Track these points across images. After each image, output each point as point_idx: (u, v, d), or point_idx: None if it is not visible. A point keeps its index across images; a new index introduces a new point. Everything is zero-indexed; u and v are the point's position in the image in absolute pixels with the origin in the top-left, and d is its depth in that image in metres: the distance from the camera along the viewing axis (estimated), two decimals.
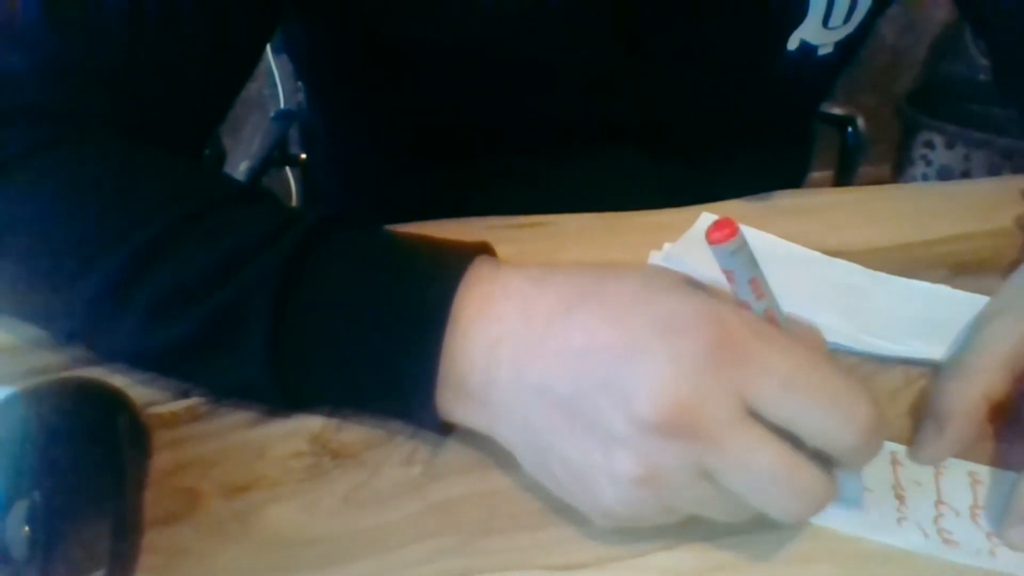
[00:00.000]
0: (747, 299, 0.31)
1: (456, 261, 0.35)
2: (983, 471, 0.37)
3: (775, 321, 0.31)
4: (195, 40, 0.45)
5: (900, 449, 0.38)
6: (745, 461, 0.29)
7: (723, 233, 0.29)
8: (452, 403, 0.35)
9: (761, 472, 0.29)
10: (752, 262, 0.30)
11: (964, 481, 0.36)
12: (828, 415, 0.29)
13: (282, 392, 0.37)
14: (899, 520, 0.35)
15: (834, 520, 0.35)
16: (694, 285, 0.33)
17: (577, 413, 0.31)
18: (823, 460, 0.30)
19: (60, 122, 0.43)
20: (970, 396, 0.37)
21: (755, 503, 0.30)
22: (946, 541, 0.34)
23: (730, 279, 0.31)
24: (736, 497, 0.30)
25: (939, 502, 0.35)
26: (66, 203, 0.40)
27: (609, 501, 0.31)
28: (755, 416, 0.29)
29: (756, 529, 0.34)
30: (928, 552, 0.33)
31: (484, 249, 0.37)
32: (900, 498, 0.36)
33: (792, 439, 0.30)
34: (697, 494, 0.30)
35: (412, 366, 0.35)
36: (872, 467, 0.37)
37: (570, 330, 0.32)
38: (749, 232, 0.53)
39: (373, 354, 0.35)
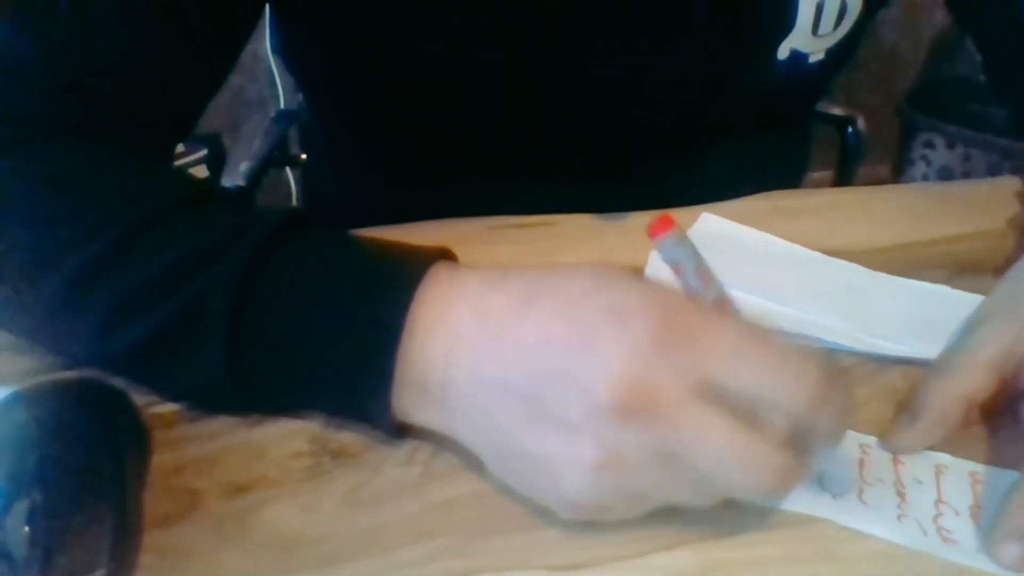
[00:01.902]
0: (697, 288, 0.32)
1: (413, 266, 0.36)
2: (984, 471, 0.37)
3: (726, 305, 0.32)
4: (164, 45, 0.45)
5: None
6: (701, 438, 0.30)
7: (663, 228, 0.30)
8: (411, 406, 0.36)
9: (717, 448, 0.30)
10: (695, 252, 0.31)
11: (965, 481, 0.36)
12: (776, 384, 0.30)
13: (239, 396, 0.37)
14: (899, 517, 0.35)
15: (835, 514, 0.35)
16: (643, 278, 0.34)
17: (536, 406, 0.32)
18: (799, 445, 0.31)
19: (22, 124, 0.43)
20: (949, 394, 0.38)
21: (716, 481, 0.31)
22: (945, 540, 0.34)
23: (677, 272, 0.32)
24: (698, 477, 0.31)
25: (939, 501, 0.35)
26: (25, 205, 0.40)
27: (573, 491, 0.31)
28: (708, 395, 0.30)
29: (756, 529, 0.34)
30: (926, 550, 0.33)
31: (443, 254, 0.37)
32: (901, 495, 0.36)
33: (754, 421, 0.30)
34: (659, 477, 0.31)
35: (367, 370, 0.35)
36: (875, 464, 0.37)
37: (524, 326, 0.33)
38: (750, 232, 0.53)
39: (329, 359, 0.36)
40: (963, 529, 0.34)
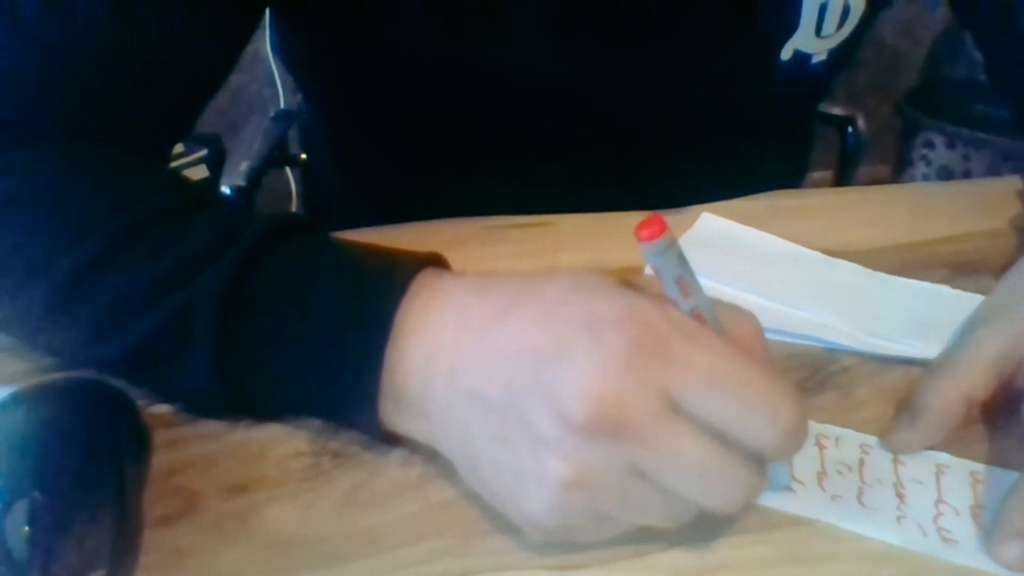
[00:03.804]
0: (675, 297, 0.31)
1: (400, 274, 0.36)
2: (985, 471, 0.37)
3: (702, 319, 0.31)
4: (159, 46, 0.45)
5: None
6: (673, 455, 0.29)
7: (651, 231, 0.29)
8: (394, 414, 0.35)
9: (689, 466, 0.29)
10: (680, 261, 0.30)
11: (966, 481, 0.36)
12: (750, 414, 0.30)
13: (228, 402, 0.37)
14: (899, 518, 0.35)
15: (834, 517, 0.35)
16: (624, 284, 0.32)
17: (509, 418, 0.31)
18: (758, 459, 0.31)
19: (12, 128, 0.43)
20: (949, 394, 0.38)
21: (687, 496, 0.30)
22: (945, 540, 0.34)
23: (658, 276, 0.31)
24: (668, 495, 0.30)
25: (939, 501, 0.35)
26: (15, 209, 0.40)
27: (538, 509, 0.30)
28: (679, 412, 0.29)
29: (756, 529, 0.34)
30: (926, 551, 0.33)
31: (433, 260, 0.37)
32: (900, 496, 0.36)
33: (722, 438, 0.30)
34: (629, 495, 0.30)
35: (354, 379, 0.35)
36: (875, 464, 0.37)
37: (500, 335, 0.32)
38: (750, 232, 0.53)
39: (317, 367, 0.35)
40: (963, 529, 0.34)
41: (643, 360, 0.29)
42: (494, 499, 0.33)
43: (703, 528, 0.34)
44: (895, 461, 0.37)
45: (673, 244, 0.30)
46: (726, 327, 0.32)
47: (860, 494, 0.36)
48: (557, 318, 0.31)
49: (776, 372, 0.31)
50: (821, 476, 0.36)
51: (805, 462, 0.37)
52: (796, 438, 0.30)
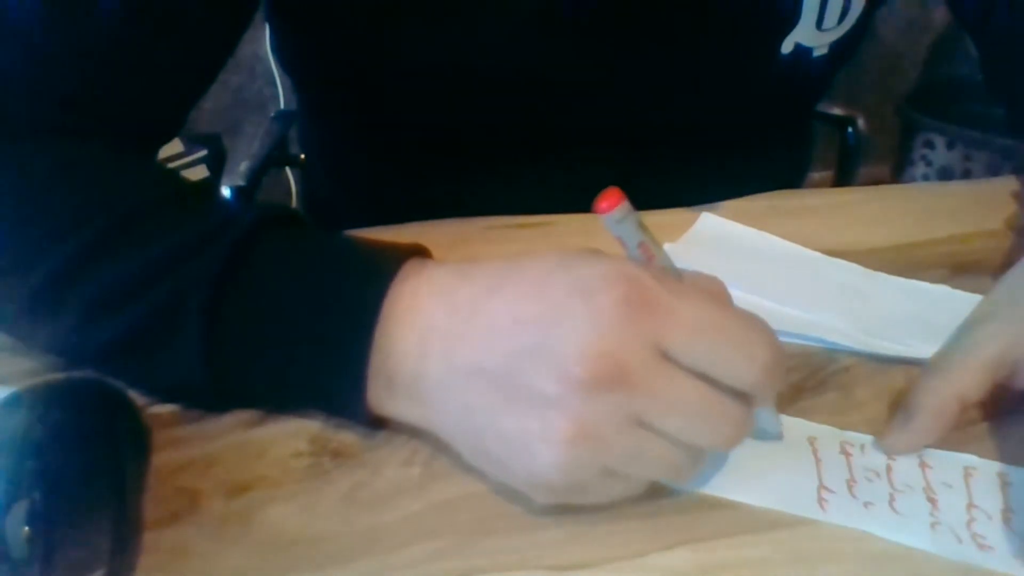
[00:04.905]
0: (640, 261, 0.33)
1: (388, 261, 0.36)
2: (1011, 472, 0.36)
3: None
4: (148, 45, 0.45)
5: (925, 451, 0.37)
6: (669, 399, 0.31)
7: (609, 203, 0.32)
8: (385, 398, 0.36)
9: (687, 406, 0.32)
10: (640, 228, 0.33)
11: (994, 483, 0.36)
12: (732, 356, 0.32)
13: (216, 392, 0.37)
14: (932, 524, 0.34)
15: (868, 525, 0.34)
16: (601, 252, 0.34)
17: (510, 386, 0.32)
18: (744, 400, 0.33)
19: (3, 123, 0.43)
20: (943, 394, 0.37)
21: (684, 436, 0.32)
22: (981, 547, 0.33)
23: (622, 244, 0.34)
24: (668, 440, 0.32)
25: (971, 505, 0.35)
26: (7, 200, 0.41)
27: (546, 469, 0.32)
28: (671, 360, 0.32)
29: (756, 529, 0.34)
30: (963, 559, 0.33)
31: (417, 251, 0.38)
32: (932, 501, 0.35)
33: (707, 380, 0.32)
34: (632, 444, 0.32)
35: (342, 363, 0.35)
36: (902, 470, 0.36)
37: (494, 310, 0.34)
38: (750, 232, 0.53)
39: (305, 352, 0.36)
40: (997, 535, 0.33)
41: (634, 317, 0.31)
42: (499, 470, 0.34)
43: (705, 528, 0.34)
44: (922, 465, 0.37)
45: (631, 212, 0.33)
46: (695, 283, 0.34)
47: (892, 500, 0.35)
48: (547, 290, 0.33)
49: (750, 318, 0.33)
50: (851, 483, 0.36)
51: (834, 470, 0.36)
52: (774, 374, 0.33)
